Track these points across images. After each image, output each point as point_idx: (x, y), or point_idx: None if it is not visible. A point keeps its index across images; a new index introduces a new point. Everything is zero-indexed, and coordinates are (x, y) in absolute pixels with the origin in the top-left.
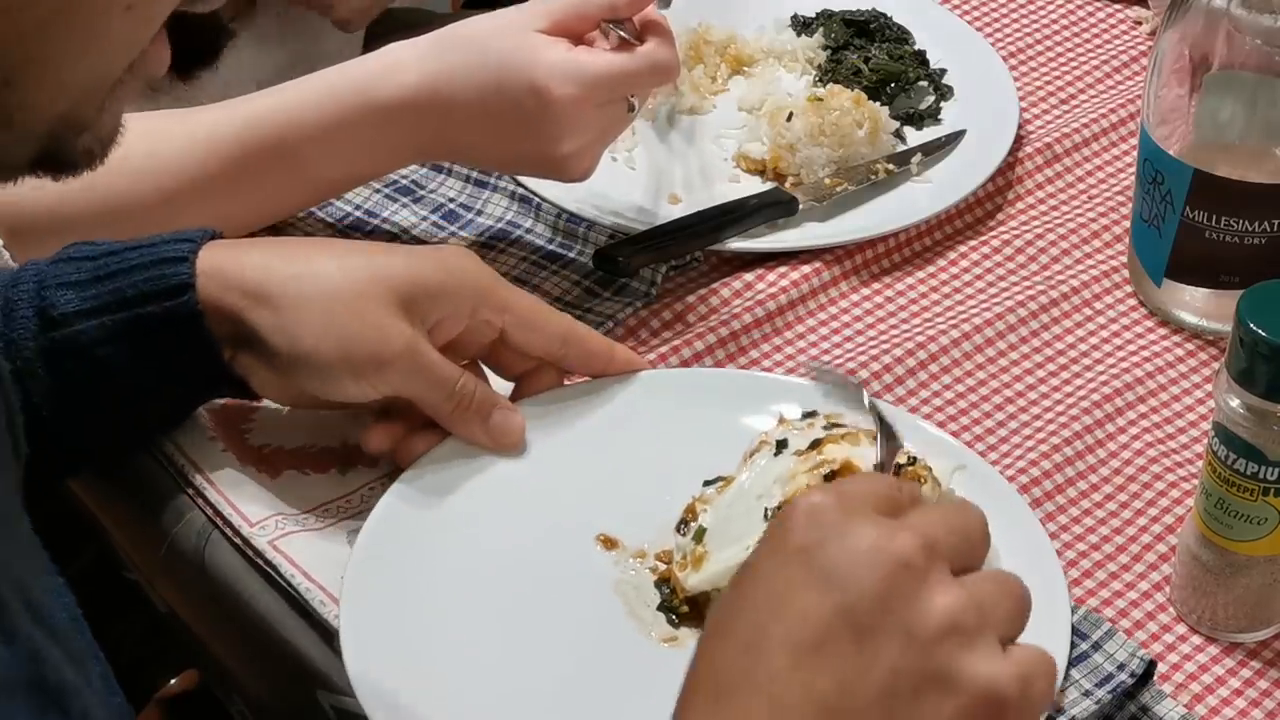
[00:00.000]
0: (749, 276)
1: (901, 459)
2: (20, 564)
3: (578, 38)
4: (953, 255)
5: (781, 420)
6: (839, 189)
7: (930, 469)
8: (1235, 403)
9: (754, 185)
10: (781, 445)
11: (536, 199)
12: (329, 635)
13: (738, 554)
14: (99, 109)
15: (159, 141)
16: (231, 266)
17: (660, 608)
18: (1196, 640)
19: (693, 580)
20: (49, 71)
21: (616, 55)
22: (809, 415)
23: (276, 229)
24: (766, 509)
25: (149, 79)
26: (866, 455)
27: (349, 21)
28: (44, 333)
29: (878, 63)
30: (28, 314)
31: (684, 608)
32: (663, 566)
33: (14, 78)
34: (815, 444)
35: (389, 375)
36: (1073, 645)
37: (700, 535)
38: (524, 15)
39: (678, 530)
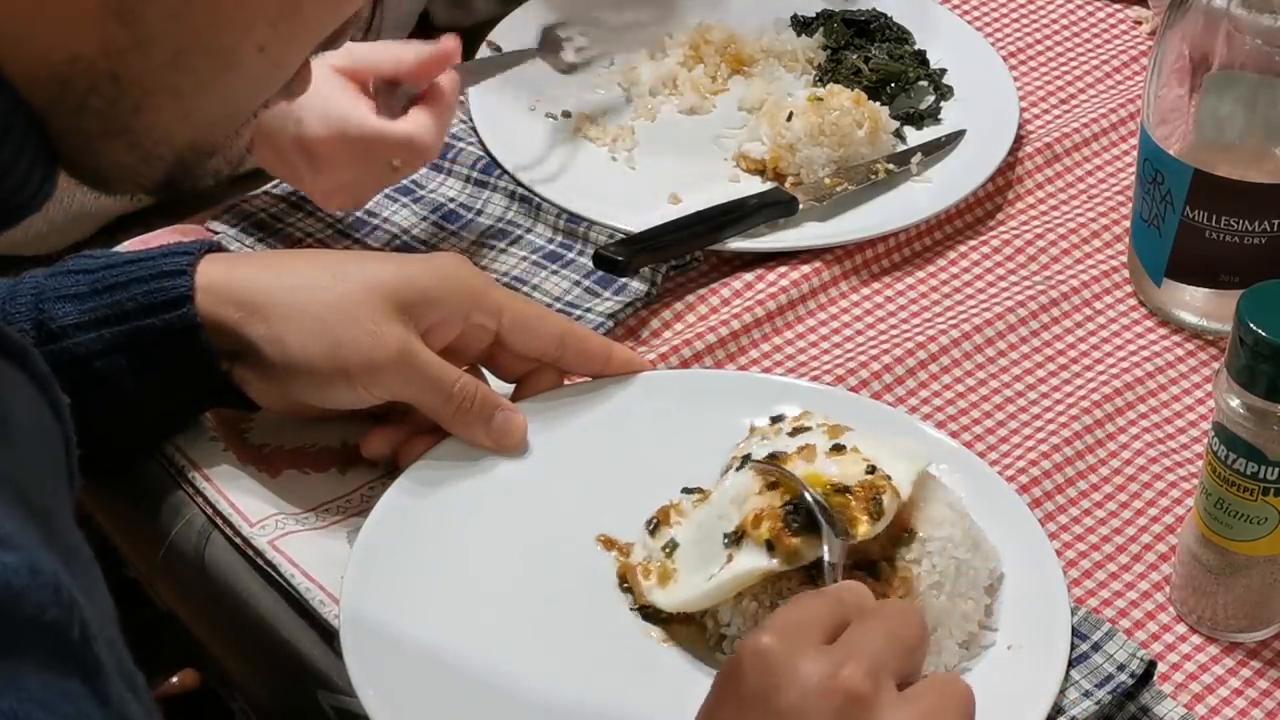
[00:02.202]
0: (749, 276)
1: (861, 466)
2: (100, 608)
3: (365, 85)
4: (953, 255)
5: (752, 429)
6: (839, 189)
7: (889, 478)
8: (1235, 403)
9: (754, 185)
10: (746, 460)
11: (536, 199)
12: (329, 635)
13: (700, 583)
14: (231, 135)
15: None
16: (226, 279)
17: (633, 608)
18: (1196, 640)
19: (659, 598)
20: (178, 103)
21: (376, 119)
22: (776, 420)
23: (277, 229)
24: (725, 534)
25: (290, 99)
26: (824, 468)
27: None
28: (42, 345)
29: (878, 63)
30: (26, 327)
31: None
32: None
33: (144, 104)
34: (771, 457)
35: (384, 379)
36: (1073, 646)
37: (671, 549)
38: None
39: (647, 529)
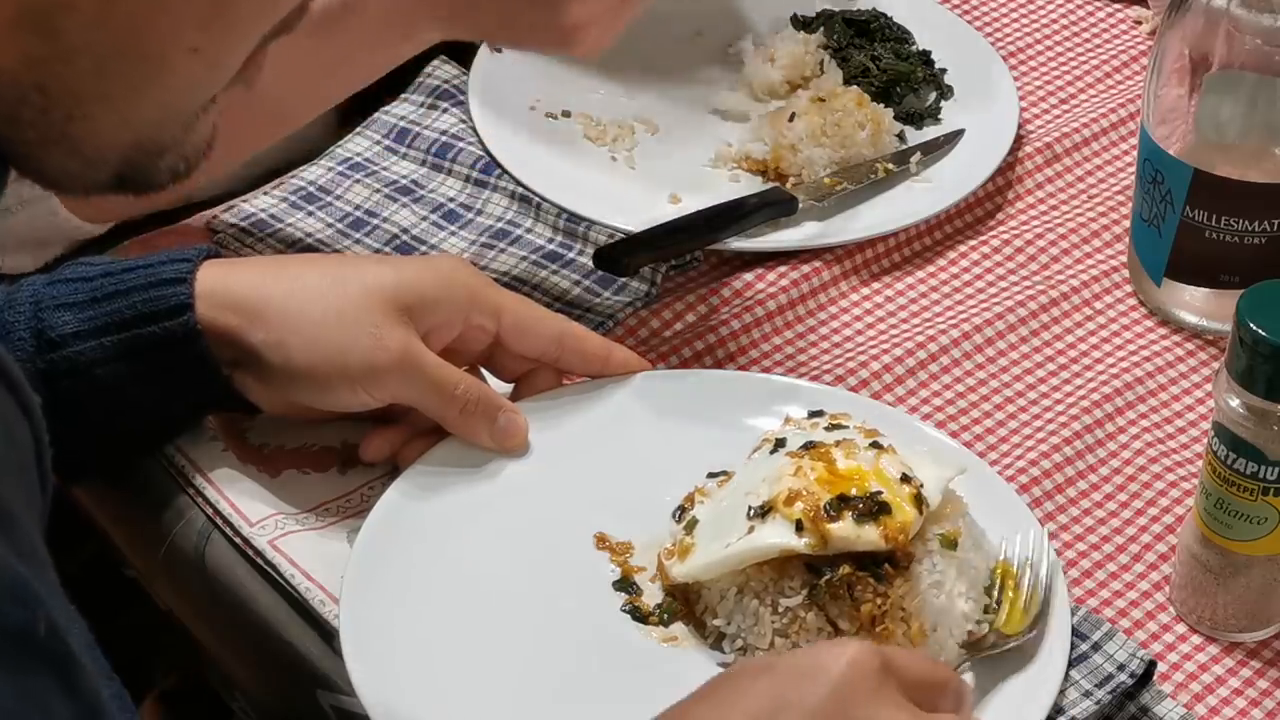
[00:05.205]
0: (749, 276)
1: (899, 470)
2: (58, 606)
3: None
4: (953, 255)
5: (788, 420)
6: (839, 188)
7: (922, 486)
8: (1235, 403)
9: (754, 185)
10: (779, 444)
11: (536, 199)
12: (329, 635)
13: (717, 551)
14: (181, 133)
15: None
16: (225, 286)
17: (624, 608)
18: (1196, 640)
19: (676, 570)
20: (111, 109)
21: None
22: (815, 415)
23: (277, 229)
24: (750, 507)
25: (248, 88)
26: (863, 461)
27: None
28: (41, 354)
29: (887, 63)
30: (24, 335)
31: (654, 613)
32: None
33: (76, 112)
34: (810, 445)
35: (386, 382)
36: (1073, 646)
37: (691, 526)
38: None
39: (673, 517)
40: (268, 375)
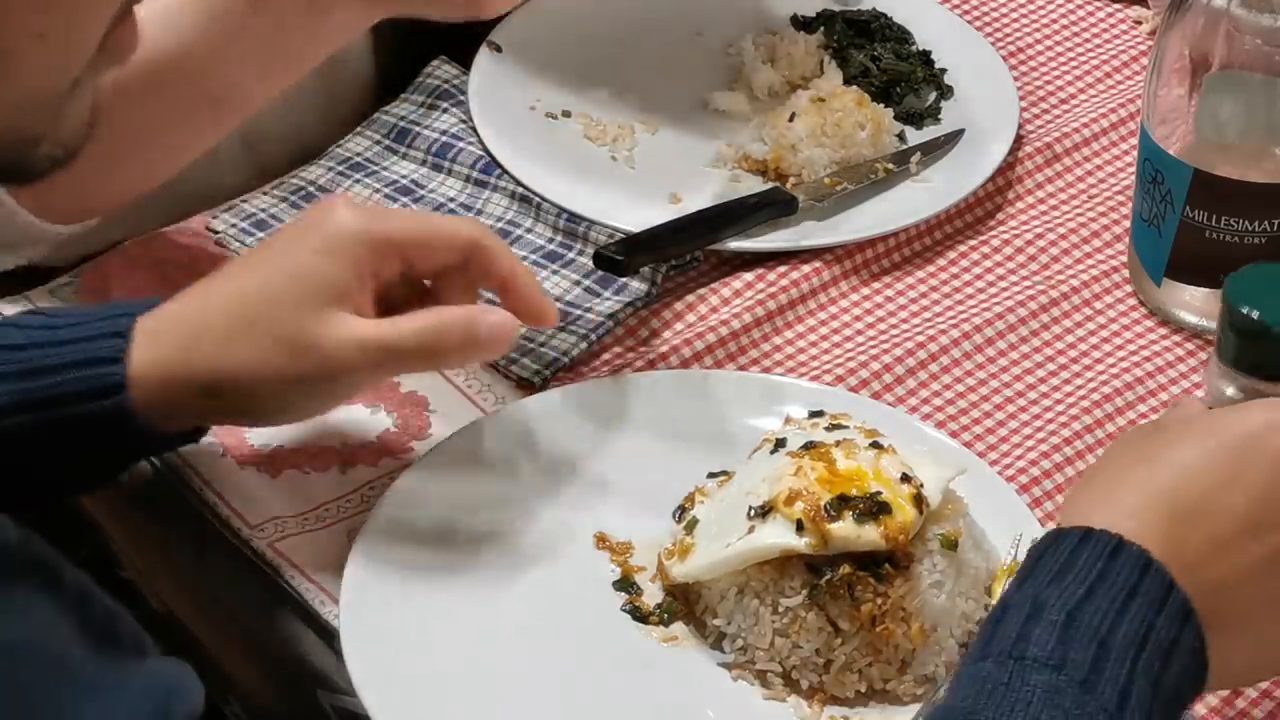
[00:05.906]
0: (749, 276)
1: (899, 470)
2: None
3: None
4: (953, 255)
5: (788, 420)
6: (839, 188)
7: (922, 485)
8: (1230, 390)
9: (754, 185)
10: (780, 444)
11: (537, 199)
12: (329, 635)
13: (717, 551)
14: (52, 120)
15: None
16: (165, 360)
17: (624, 608)
18: None
19: (676, 570)
20: None
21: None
22: (815, 415)
23: (276, 229)
24: (750, 507)
25: (119, 63)
26: (863, 461)
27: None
28: None
29: (887, 63)
30: None
31: (654, 613)
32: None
33: None
34: (810, 445)
35: (356, 381)
36: None
37: (692, 526)
38: None
39: (674, 517)
40: (238, 419)
